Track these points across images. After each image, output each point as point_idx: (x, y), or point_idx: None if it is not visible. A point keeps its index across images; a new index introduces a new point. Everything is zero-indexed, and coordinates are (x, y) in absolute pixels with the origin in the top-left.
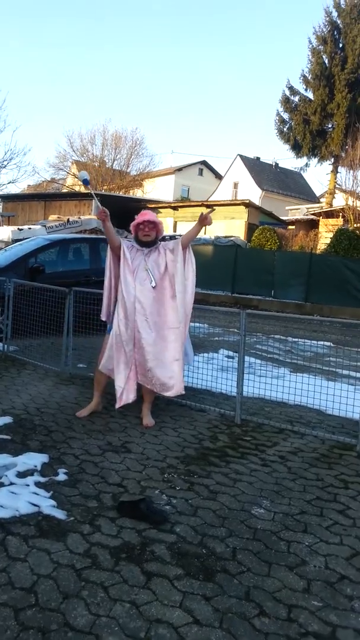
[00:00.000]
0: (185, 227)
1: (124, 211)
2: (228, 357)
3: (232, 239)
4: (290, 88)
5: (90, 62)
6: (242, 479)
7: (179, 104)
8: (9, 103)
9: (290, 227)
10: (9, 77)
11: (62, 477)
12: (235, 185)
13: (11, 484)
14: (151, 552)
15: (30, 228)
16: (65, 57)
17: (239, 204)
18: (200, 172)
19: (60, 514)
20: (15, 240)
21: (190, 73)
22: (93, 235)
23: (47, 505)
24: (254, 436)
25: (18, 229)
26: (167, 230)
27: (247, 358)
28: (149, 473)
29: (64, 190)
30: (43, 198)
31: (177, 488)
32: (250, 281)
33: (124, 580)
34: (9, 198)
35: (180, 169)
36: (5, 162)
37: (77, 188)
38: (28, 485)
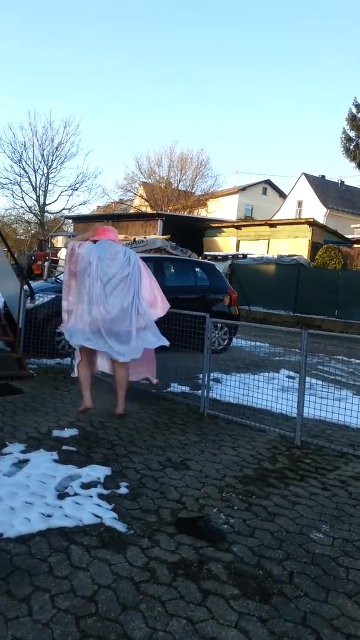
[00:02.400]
0: (247, 246)
1: (188, 230)
2: (289, 377)
3: (295, 257)
4: (357, 106)
5: (158, 86)
6: (301, 502)
7: (243, 123)
8: (82, 128)
9: (355, 245)
10: (82, 102)
11: (123, 490)
12: (300, 204)
13: (75, 494)
14: (208, 570)
15: None
16: (134, 82)
17: (302, 223)
18: (264, 191)
19: (121, 527)
20: None
21: (254, 92)
22: (158, 255)
23: (109, 517)
24: (314, 459)
25: None
26: (230, 249)
27: (308, 379)
28: (207, 491)
29: (131, 211)
30: (111, 219)
31: (235, 507)
32: (313, 301)
33: (181, 596)
34: (79, 219)
35: (244, 189)
36: (77, 185)
37: (143, 209)
38: (91, 496)
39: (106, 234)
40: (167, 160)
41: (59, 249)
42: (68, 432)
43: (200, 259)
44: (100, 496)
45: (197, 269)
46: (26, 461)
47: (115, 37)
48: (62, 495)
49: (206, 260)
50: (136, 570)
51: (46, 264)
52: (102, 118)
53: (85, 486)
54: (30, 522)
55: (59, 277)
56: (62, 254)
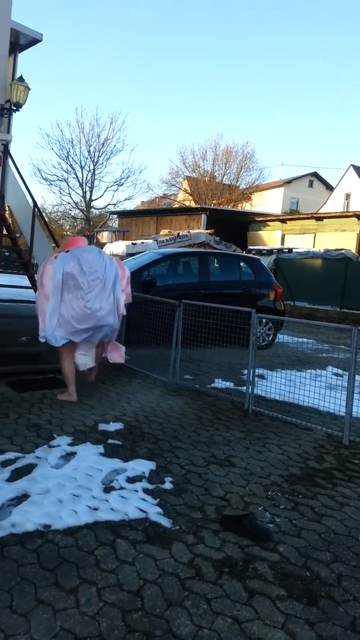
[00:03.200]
0: (293, 240)
1: (232, 224)
2: (336, 375)
3: (342, 252)
4: None
5: (206, 79)
6: (350, 503)
7: (290, 114)
8: (128, 123)
9: None
10: (127, 97)
11: (168, 485)
12: (348, 197)
13: (121, 488)
14: (254, 569)
15: (143, 242)
16: (181, 73)
17: (350, 216)
18: (311, 184)
19: (166, 522)
20: (129, 254)
21: (302, 82)
22: (202, 249)
23: (154, 512)
24: None
25: (132, 243)
26: (275, 243)
27: (357, 377)
28: (252, 489)
29: (175, 206)
30: (155, 213)
31: (281, 507)
32: None
33: (227, 594)
34: (124, 214)
35: (289, 182)
36: (122, 180)
37: (187, 203)
38: (137, 491)
39: (77, 242)
40: (212, 154)
41: (104, 244)
42: (114, 426)
43: (244, 253)
44: (146, 491)
45: (242, 264)
46: (73, 454)
47: (160, 33)
48: (108, 489)
49: (251, 255)
50: (181, 566)
51: None
52: (148, 113)
53: (131, 480)
54: (77, 514)
55: None
56: (107, 249)
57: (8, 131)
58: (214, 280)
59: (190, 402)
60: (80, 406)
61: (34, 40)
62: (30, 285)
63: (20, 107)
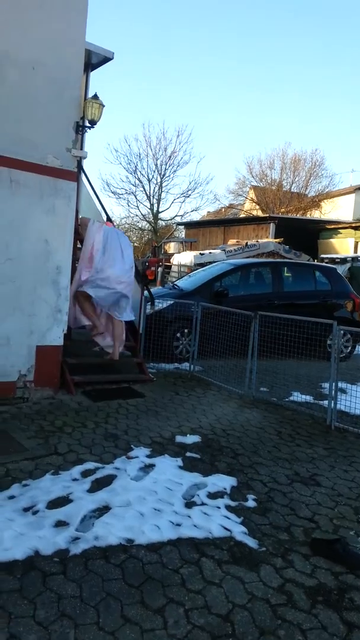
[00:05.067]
0: None
1: (301, 233)
2: None
3: None
4: None
5: (273, 89)
6: None
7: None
8: (194, 136)
9: None
10: (194, 110)
11: (251, 503)
12: None
13: (203, 504)
14: (350, 599)
15: (210, 252)
16: (245, 86)
17: None
18: None
19: (251, 542)
20: (197, 264)
21: None
22: (275, 260)
23: (239, 531)
24: None
25: (200, 253)
26: (348, 251)
27: None
28: (341, 511)
29: (242, 215)
30: (222, 224)
31: None
32: None
33: (323, 626)
34: (191, 225)
35: None
36: (189, 192)
37: (254, 213)
38: (219, 507)
39: (108, 224)
40: (280, 163)
41: (172, 254)
42: (191, 439)
43: (318, 262)
44: (228, 508)
45: (318, 273)
46: (152, 466)
47: (225, 44)
48: (189, 504)
49: (326, 264)
50: (271, 591)
51: (159, 269)
52: (214, 124)
53: (212, 496)
54: (160, 530)
55: (176, 283)
56: (175, 260)
57: (82, 147)
58: (288, 291)
59: (268, 415)
60: (156, 417)
61: (106, 59)
62: None
63: (95, 124)
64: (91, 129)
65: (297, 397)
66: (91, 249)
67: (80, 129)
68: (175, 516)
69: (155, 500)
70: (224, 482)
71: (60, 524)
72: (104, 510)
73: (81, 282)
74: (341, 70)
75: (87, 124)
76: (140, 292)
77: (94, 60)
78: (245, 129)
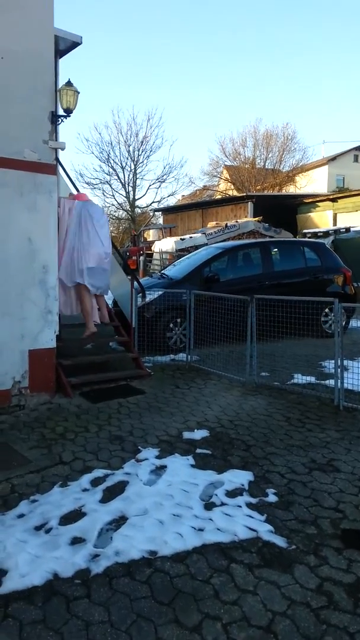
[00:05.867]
0: (345, 219)
1: (280, 209)
2: None
3: None
4: None
5: (238, 65)
6: None
7: (329, 90)
8: (165, 119)
9: None
10: (163, 92)
11: (272, 498)
12: None
13: (222, 504)
14: None
15: (191, 237)
16: (212, 64)
17: None
18: (356, 159)
19: (280, 541)
20: (179, 250)
21: (336, 54)
22: (263, 240)
23: (265, 530)
24: None
25: (180, 239)
26: (328, 224)
27: None
28: None
29: (218, 196)
30: (200, 206)
31: None
32: None
33: None
34: (168, 210)
35: (333, 159)
36: (164, 177)
37: (230, 193)
38: (240, 506)
39: (81, 197)
40: (252, 140)
41: (152, 242)
42: (199, 434)
43: (306, 239)
44: (250, 505)
45: (306, 249)
46: (163, 467)
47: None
48: (209, 506)
49: (316, 240)
50: (310, 593)
51: (141, 258)
52: (184, 105)
53: (231, 494)
54: (183, 537)
55: (164, 272)
56: (156, 247)
57: (56, 138)
58: (278, 270)
59: (274, 401)
60: (159, 414)
61: (74, 44)
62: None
63: (71, 112)
64: (67, 117)
65: (300, 378)
66: (66, 230)
67: (55, 118)
68: (196, 520)
69: (172, 505)
70: (240, 477)
71: (76, 541)
72: (120, 521)
73: (68, 270)
74: (308, 38)
75: (63, 113)
76: (129, 284)
77: (62, 46)
78: (216, 107)
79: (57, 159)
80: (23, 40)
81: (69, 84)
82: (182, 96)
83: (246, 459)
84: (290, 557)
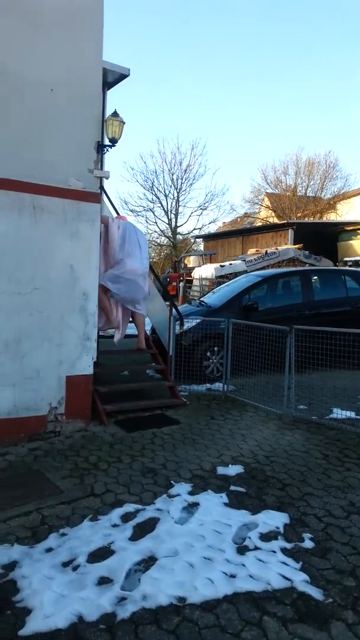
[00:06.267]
0: None
1: (320, 237)
2: None
3: None
4: None
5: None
6: None
7: None
8: (208, 147)
9: None
10: (207, 120)
11: (308, 543)
12: None
13: (256, 548)
14: None
15: (231, 264)
16: (258, 92)
17: None
18: None
19: (316, 593)
20: (218, 277)
21: None
22: (303, 268)
23: (300, 580)
24: None
25: (220, 265)
26: None
27: None
28: None
29: (259, 224)
30: (240, 233)
31: None
32: None
33: None
34: (209, 237)
35: None
36: (206, 204)
37: (271, 220)
38: (274, 552)
39: (124, 219)
40: (294, 168)
41: (192, 268)
42: (233, 470)
43: (347, 267)
44: (284, 551)
45: (348, 278)
46: (196, 505)
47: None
48: (241, 549)
49: (357, 269)
50: None
51: (181, 284)
52: (227, 133)
53: (265, 538)
54: (213, 584)
55: (203, 299)
56: (196, 274)
57: (101, 167)
58: (318, 299)
59: (312, 437)
60: (193, 446)
61: (122, 76)
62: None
63: (116, 142)
64: (112, 147)
65: (339, 413)
66: (113, 244)
67: (101, 148)
68: (228, 565)
69: (204, 547)
70: (275, 519)
71: (103, 581)
72: (149, 562)
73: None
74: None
75: (108, 143)
76: (167, 311)
77: (110, 78)
78: (259, 136)
79: (101, 187)
80: (73, 72)
81: (115, 114)
82: (225, 124)
83: (282, 499)
84: (327, 612)
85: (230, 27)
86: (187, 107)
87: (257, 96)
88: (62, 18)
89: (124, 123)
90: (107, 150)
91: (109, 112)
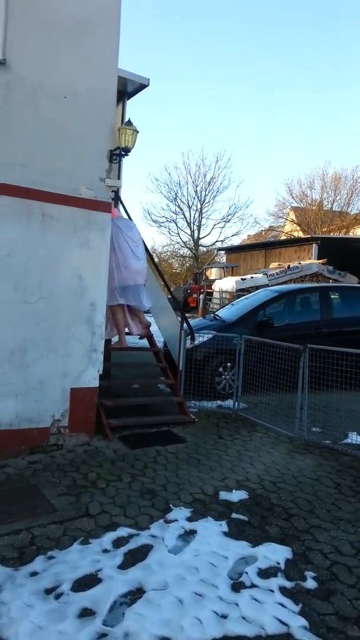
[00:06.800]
0: None
1: (346, 252)
2: None
3: None
4: None
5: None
6: None
7: None
8: (233, 160)
9: None
10: (231, 134)
11: (310, 583)
12: None
13: (253, 585)
14: None
15: (252, 277)
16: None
17: None
18: None
19: None
20: (239, 290)
21: None
22: (322, 284)
23: (298, 625)
24: None
25: (241, 279)
26: None
27: None
28: None
29: (283, 237)
30: (263, 247)
31: None
32: None
33: None
34: (231, 250)
35: None
36: (229, 217)
37: (295, 234)
38: (272, 591)
39: (115, 214)
40: (320, 182)
41: (213, 281)
42: (237, 495)
43: None
44: (283, 591)
45: None
46: (193, 533)
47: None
48: (237, 586)
49: None
50: None
51: (201, 296)
52: (252, 147)
53: (264, 574)
54: (202, 624)
55: (217, 313)
56: (216, 286)
57: (118, 177)
58: (337, 317)
59: (324, 463)
60: (197, 467)
61: (142, 86)
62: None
63: (129, 151)
64: (125, 156)
65: (354, 439)
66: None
67: (114, 157)
68: (220, 604)
69: (196, 581)
70: (276, 554)
71: (85, 613)
72: (136, 594)
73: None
74: None
75: (122, 152)
76: (178, 325)
77: (130, 88)
78: (285, 149)
79: (118, 197)
80: (87, 80)
81: (128, 123)
82: (251, 136)
83: (286, 530)
84: None
85: (270, 31)
86: (213, 117)
87: (284, 107)
88: (77, 25)
89: (137, 132)
90: (119, 159)
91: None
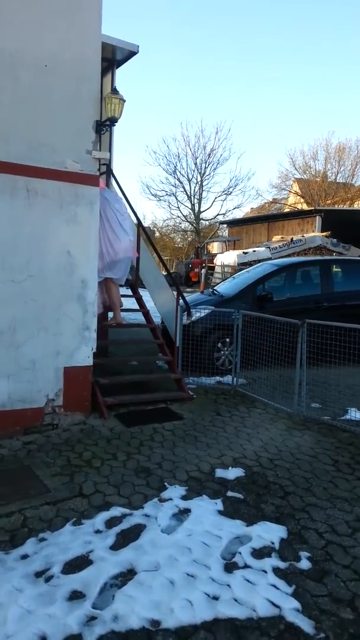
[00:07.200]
0: None
1: (350, 225)
2: None
3: None
4: None
5: (311, 77)
6: None
7: None
8: (233, 131)
9: None
10: (232, 103)
11: (304, 563)
12: None
13: (246, 566)
14: None
15: (254, 251)
16: (286, 73)
17: None
18: None
19: (306, 625)
20: (241, 264)
21: None
22: (323, 257)
23: (290, 607)
24: None
25: (243, 252)
26: None
27: None
28: None
29: (286, 210)
30: (266, 220)
31: None
32: None
33: None
34: (233, 223)
35: None
36: (230, 189)
37: (299, 206)
38: (265, 571)
39: (101, 185)
40: (323, 153)
41: (215, 255)
42: (233, 473)
43: None
44: (277, 571)
45: None
46: (187, 512)
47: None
48: (229, 567)
49: None
50: None
51: (203, 271)
52: (253, 118)
53: (257, 554)
54: (192, 606)
55: (216, 288)
56: (218, 260)
57: (109, 149)
58: (338, 291)
59: (322, 439)
60: (194, 444)
61: (131, 53)
62: (138, 307)
63: (116, 121)
64: (112, 126)
65: (354, 415)
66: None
67: (101, 128)
68: (211, 585)
69: (188, 561)
70: (271, 533)
71: (75, 596)
72: (127, 575)
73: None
74: None
75: (109, 122)
76: (175, 300)
77: (119, 56)
78: (286, 119)
79: (110, 170)
80: (69, 48)
81: (114, 91)
82: (251, 107)
83: (282, 509)
84: None
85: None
86: (212, 88)
87: (287, 78)
88: None
89: (124, 101)
90: (106, 129)
91: (121, 91)
